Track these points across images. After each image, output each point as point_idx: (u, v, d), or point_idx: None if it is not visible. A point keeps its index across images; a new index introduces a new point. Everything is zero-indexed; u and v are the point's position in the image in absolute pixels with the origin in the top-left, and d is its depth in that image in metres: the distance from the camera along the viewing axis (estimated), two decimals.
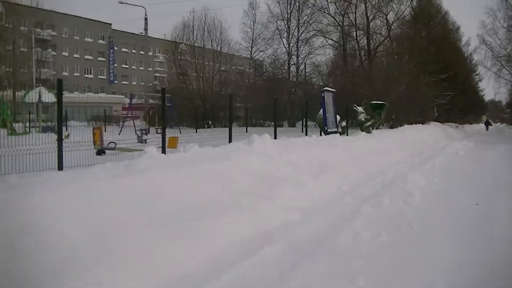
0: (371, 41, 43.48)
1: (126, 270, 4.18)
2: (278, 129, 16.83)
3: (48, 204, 4.47)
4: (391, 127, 28.25)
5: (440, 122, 40.25)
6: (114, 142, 15.73)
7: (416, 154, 17.67)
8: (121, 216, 4.77)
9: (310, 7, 50.24)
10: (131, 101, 37.77)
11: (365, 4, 42.75)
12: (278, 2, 53.81)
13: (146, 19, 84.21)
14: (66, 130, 24.73)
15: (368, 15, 42.88)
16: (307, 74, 53.80)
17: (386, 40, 42.69)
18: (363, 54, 44.27)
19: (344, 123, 22.11)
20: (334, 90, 21.14)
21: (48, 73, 65.56)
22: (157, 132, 18.46)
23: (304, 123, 25.16)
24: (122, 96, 67.71)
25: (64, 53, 76.65)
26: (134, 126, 27.58)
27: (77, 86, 73.99)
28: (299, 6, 53.02)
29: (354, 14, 44.28)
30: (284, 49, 54.47)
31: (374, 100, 24.74)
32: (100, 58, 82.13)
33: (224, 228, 5.60)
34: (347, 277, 4.64)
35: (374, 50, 42.81)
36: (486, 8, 44.51)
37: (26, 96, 31.57)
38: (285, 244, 5.65)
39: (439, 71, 37.90)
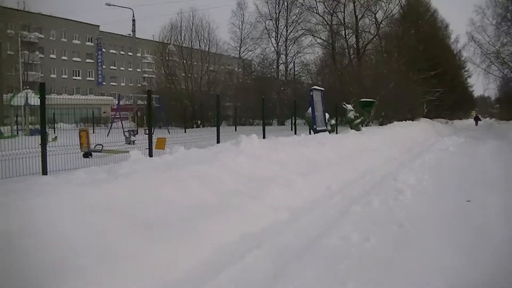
0: (360, 39, 43.64)
1: (107, 278, 4.03)
2: (267, 128, 16.77)
3: (24, 213, 4.33)
4: (381, 124, 28.26)
5: (430, 118, 40.38)
6: (100, 144, 15.59)
7: (406, 151, 17.61)
8: (102, 222, 4.61)
9: (298, 7, 50.50)
10: (119, 102, 37.60)
11: (354, 3, 42.92)
12: (267, 2, 54.09)
13: (133, 20, 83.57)
14: (54, 132, 24.60)
15: (356, 14, 43.10)
16: (296, 73, 53.94)
17: (375, 39, 42.84)
18: (352, 52, 44.45)
19: (333, 121, 22.10)
20: (322, 88, 21.11)
21: (36, 75, 65.38)
22: (145, 133, 18.32)
23: (293, 122, 25.11)
24: (111, 98, 67.39)
25: (52, 56, 76.33)
26: (123, 127, 27.41)
27: (66, 88, 73.79)
28: (287, 6, 53.29)
29: (342, 13, 44.50)
30: (273, 49, 54.74)
31: (363, 98, 24.73)
32: (88, 60, 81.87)
33: (211, 231, 5.48)
34: (336, 280, 4.53)
35: (363, 49, 42.95)
36: (475, 6, 45.15)
37: (13, 99, 31.30)
38: (273, 246, 5.54)
39: (428, 68, 38.08)
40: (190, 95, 46.60)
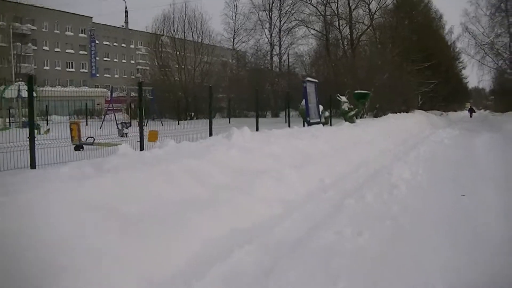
0: (353, 30, 43.48)
1: (93, 276, 3.89)
2: (261, 119, 16.63)
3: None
4: (375, 116, 28.23)
5: (424, 110, 40.41)
6: (92, 137, 15.45)
7: (400, 143, 17.55)
8: (87, 218, 4.47)
9: None
10: (111, 94, 37.35)
11: None
12: None
13: (126, 12, 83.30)
14: (47, 124, 24.42)
15: (350, 4, 42.94)
16: (290, 64, 53.85)
17: (369, 29, 42.62)
18: (346, 43, 44.28)
19: (327, 113, 22.00)
20: (316, 80, 20.96)
21: (29, 67, 64.87)
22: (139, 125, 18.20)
23: (287, 114, 25.00)
24: (105, 90, 67.06)
25: (44, 47, 75.76)
26: (115, 119, 27.24)
27: (59, 80, 73.44)
28: None
29: (336, 4, 44.35)
30: (267, 40, 54.62)
31: (357, 90, 24.59)
32: (81, 52, 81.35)
33: (201, 225, 5.36)
34: (329, 275, 4.45)
35: (357, 40, 42.78)
36: None
37: (6, 92, 31.01)
38: (265, 241, 5.43)
39: (423, 60, 38.04)
40: (184, 86, 46.28)
